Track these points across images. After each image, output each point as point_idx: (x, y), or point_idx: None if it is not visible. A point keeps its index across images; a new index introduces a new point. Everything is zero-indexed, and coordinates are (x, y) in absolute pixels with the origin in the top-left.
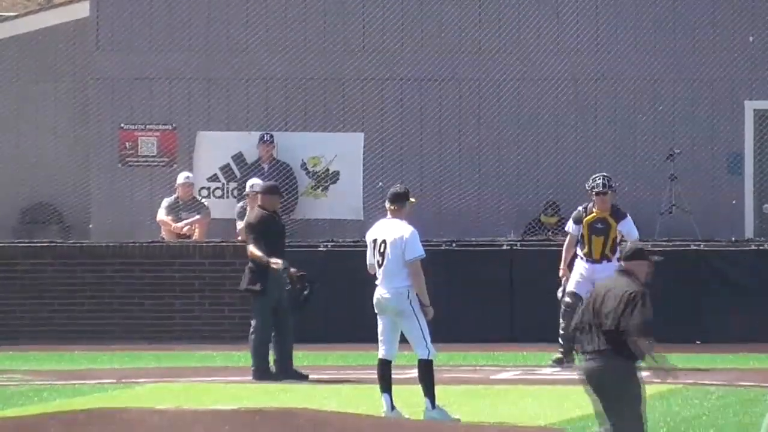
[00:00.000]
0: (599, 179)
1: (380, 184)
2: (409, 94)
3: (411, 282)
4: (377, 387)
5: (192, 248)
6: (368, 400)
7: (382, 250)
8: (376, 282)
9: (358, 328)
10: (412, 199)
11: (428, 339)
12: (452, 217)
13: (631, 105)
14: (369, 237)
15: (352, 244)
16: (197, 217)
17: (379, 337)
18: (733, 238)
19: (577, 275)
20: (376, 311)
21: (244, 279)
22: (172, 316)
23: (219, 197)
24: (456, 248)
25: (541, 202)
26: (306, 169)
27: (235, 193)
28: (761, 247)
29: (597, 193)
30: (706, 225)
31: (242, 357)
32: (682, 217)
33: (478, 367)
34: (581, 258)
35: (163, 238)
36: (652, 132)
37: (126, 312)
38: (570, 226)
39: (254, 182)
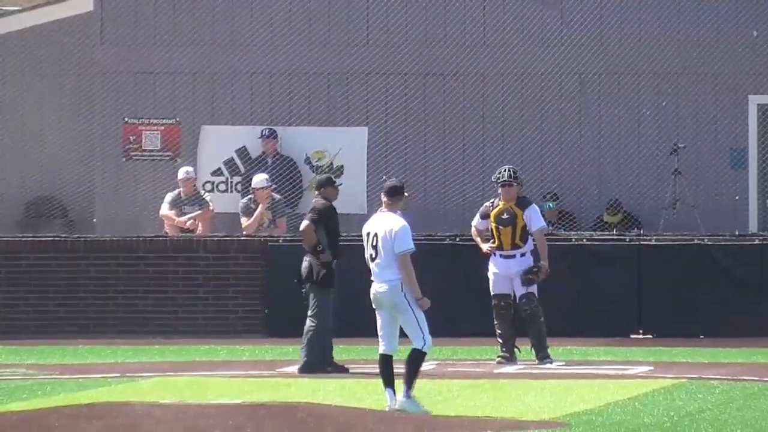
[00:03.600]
0: (505, 171)
1: (384, 178)
2: (413, 88)
3: (401, 274)
4: (379, 381)
5: (196, 242)
6: (372, 395)
7: (375, 244)
8: (371, 277)
9: (362, 321)
10: (406, 193)
11: (425, 330)
12: (456, 211)
13: (634, 100)
14: (364, 230)
15: (356, 237)
16: (200, 211)
17: (379, 332)
18: (737, 233)
19: (493, 275)
20: (373, 306)
21: (314, 270)
22: (175, 310)
23: (223, 191)
24: (460, 242)
25: (544, 194)
26: (310, 163)
27: (239, 187)
28: (765, 242)
29: (502, 185)
30: (710, 219)
31: (245, 351)
32: (685, 212)
33: (481, 361)
34: (494, 254)
35: (167, 233)
36: (656, 127)
37: (130, 306)
38: (476, 220)
39: (261, 178)
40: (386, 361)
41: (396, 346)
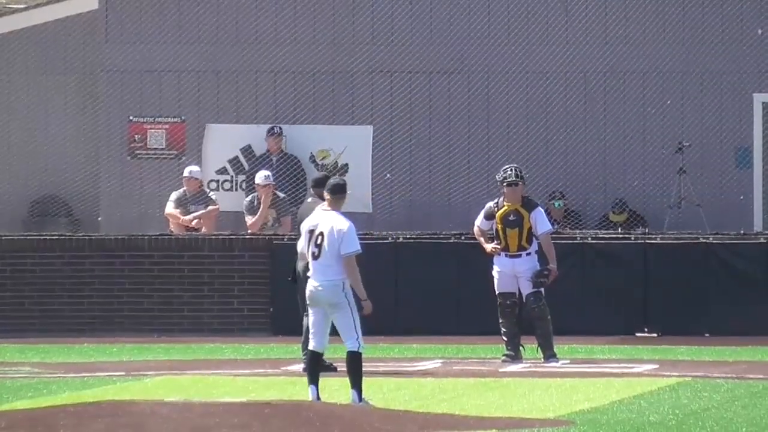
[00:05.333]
0: (510, 170)
1: (388, 175)
2: (418, 86)
3: (346, 275)
4: (384, 379)
5: (201, 241)
6: (377, 393)
7: (318, 242)
8: (308, 274)
9: (365, 320)
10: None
11: (359, 332)
12: (461, 208)
13: (639, 98)
14: (304, 227)
15: (360, 236)
16: (205, 210)
17: (310, 329)
18: (742, 231)
19: (497, 274)
20: (308, 303)
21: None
22: (180, 308)
23: (228, 190)
24: (465, 241)
25: (551, 192)
26: (315, 161)
27: (244, 185)
28: None
29: (509, 184)
30: (715, 218)
31: (251, 349)
32: (690, 210)
33: (486, 360)
34: (499, 254)
35: (172, 231)
36: (661, 125)
37: (135, 304)
38: (479, 220)
39: (263, 174)
40: (315, 359)
41: (326, 344)
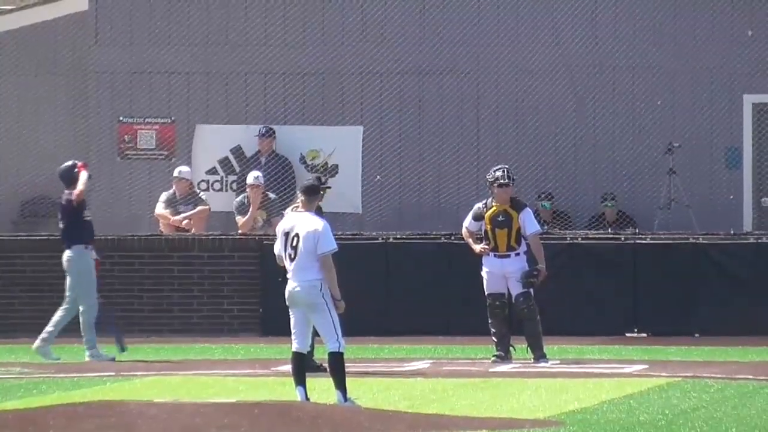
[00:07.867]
0: (500, 171)
1: (378, 177)
2: (407, 86)
3: (323, 275)
4: (374, 380)
5: (191, 241)
6: (367, 393)
7: (294, 244)
8: (287, 275)
9: (355, 321)
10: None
11: (339, 332)
12: (451, 209)
13: (629, 98)
14: (279, 229)
15: (350, 237)
16: (195, 210)
17: (292, 330)
18: (732, 232)
19: (487, 275)
20: (287, 304)
21: None
22: (170, 309)
23: (218, 190)
24: (455, 241)
25: (539, 193)
26: (305, 162)
27: (234, 186)
28: (759, 241)
29: (500, 185)
30: (705, 218)
31: (240, 350)
32: (680, 211)
33: (476, 360)
34: (488, 255)
35: (162, 232)
36: (651, 126)
37: (125, 305)
38: (468, 221)
39: (256, 174)
40: (299, 359)
41: (308, 344)
